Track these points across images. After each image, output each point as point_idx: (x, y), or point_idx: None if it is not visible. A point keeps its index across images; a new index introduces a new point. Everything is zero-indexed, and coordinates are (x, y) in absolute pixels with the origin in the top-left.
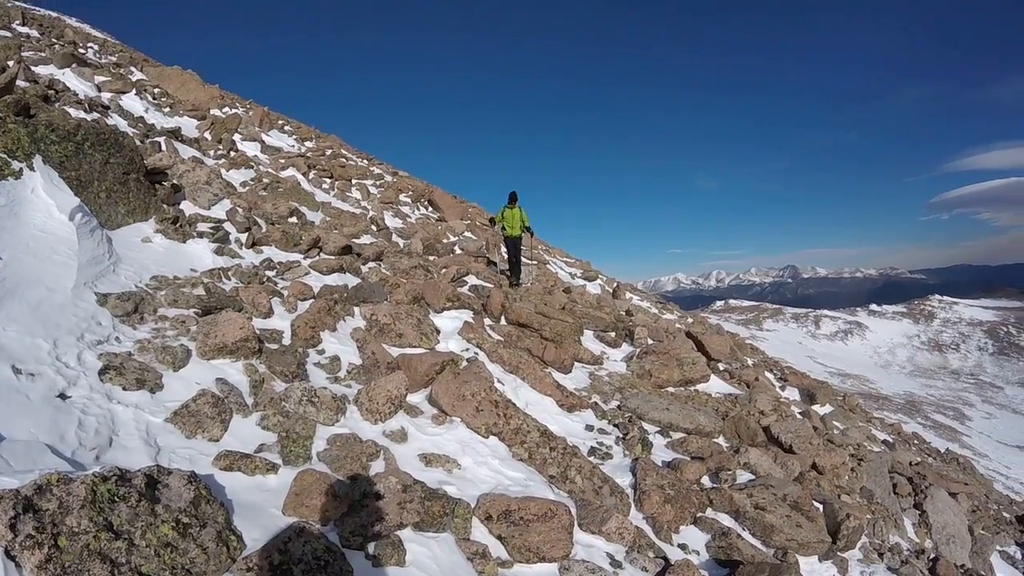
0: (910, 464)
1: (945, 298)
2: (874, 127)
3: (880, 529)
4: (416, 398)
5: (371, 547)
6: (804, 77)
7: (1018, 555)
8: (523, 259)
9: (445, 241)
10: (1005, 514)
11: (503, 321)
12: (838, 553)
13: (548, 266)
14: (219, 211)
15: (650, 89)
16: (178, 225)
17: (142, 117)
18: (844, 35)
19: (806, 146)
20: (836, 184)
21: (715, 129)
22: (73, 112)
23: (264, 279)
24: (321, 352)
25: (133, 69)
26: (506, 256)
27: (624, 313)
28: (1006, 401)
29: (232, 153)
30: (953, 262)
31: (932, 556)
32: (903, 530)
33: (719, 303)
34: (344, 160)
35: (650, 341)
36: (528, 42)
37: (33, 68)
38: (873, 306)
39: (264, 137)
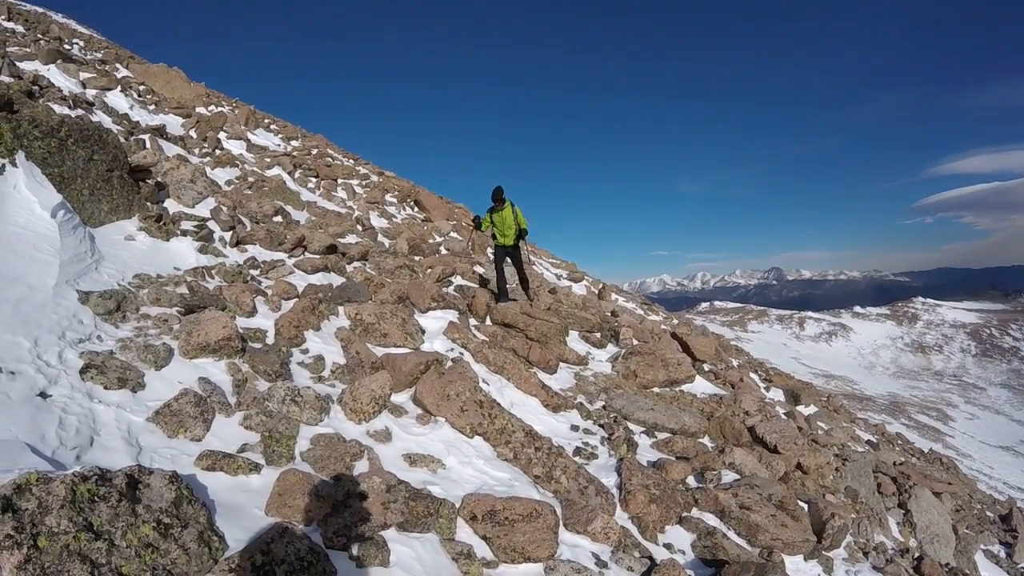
0: (894, 464)
1: (928, 300)
2: (857, 132)
3: (865, 528)
4: (400, 398)
5: (355, 548)
6: (786, 82)
7: (1002, 554)
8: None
9: (431, 241)
10: (989, 513)
11: (488, 321)
12: (823, 552)
13: (534, 267)
14: (203, 209)
15: (633, 94)
16: (162, 223)
17: (127, 114)
18: (826, 41)
19: (789, 150)
20: (820, 188)
21: (697, 134)
22: (57, 108)
23: (248, 278)
24: (305, 351)
25: (119, 66)
26: (496, 274)
27: (610, 314)
28: (989, 402)
29: (217, 151)
30: (936, 265)
31: (916, 555)
32: (888, 529)
33: (704, 305)
34: (330, 160)
35: (635, 342)
36: (513, 48)
37: (17, 64)
38: (857, 308)
39: (250, 136)
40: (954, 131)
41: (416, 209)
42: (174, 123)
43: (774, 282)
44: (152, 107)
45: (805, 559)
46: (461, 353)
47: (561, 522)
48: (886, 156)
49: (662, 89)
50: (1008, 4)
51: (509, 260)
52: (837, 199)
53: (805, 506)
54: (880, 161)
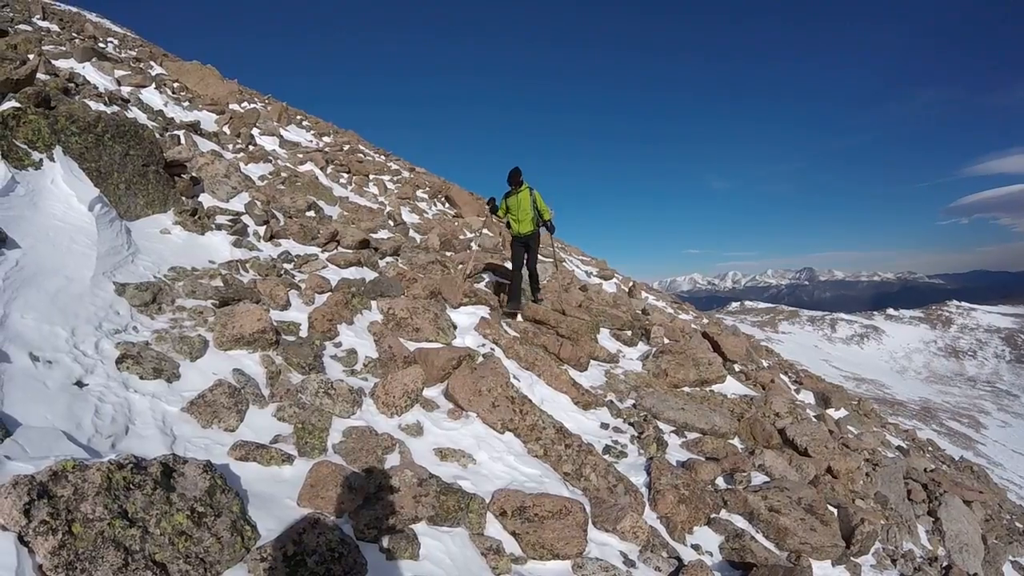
0: (925, 471)
1: (963, 304)
2: (891, 130)
3: (894, 535)
4: (432, 392)
5: (385, 540)
6: (817, 80)
7: None
8: (540, 259)
9: (462, 237)
10: (1018, 524)
11: (519, 318)
12: (851, 558)
13: (564, 264)
14: (237, 204)
15: (666, 90)
16: (196, 217)
17: (161, 111)
18: (858, 38)
19: (820, 149)
20: (852, 187)
21: (728, 131)
22: (93, 105)
23: (281, 272)
24: (338, 345)
25: (152, 64)
26: (513, 270)
27: (640, 312)
28: (1022, 410)
29: (250, 147)
30: (971, 267)
31: (945, 564)
32: (916, 537)
33: (735, 304)
34: (361, 156)
35: (666, 341)
36: (545, 43)
37: (53, 62)
38: (890, 310)
39: (282, 132)
40: (991, 129)
41: (447, 205)
42: (208, 119)
43: (806, 282)
44: (186, 104)
45: (833, 564)
46: (492, 349)
47: (590, 520)
48: (921, 155)
49: (694, 85)
50: None
51: (525, 252)
52: (870, 198)
53: (834, 511)
54: (915, 160)
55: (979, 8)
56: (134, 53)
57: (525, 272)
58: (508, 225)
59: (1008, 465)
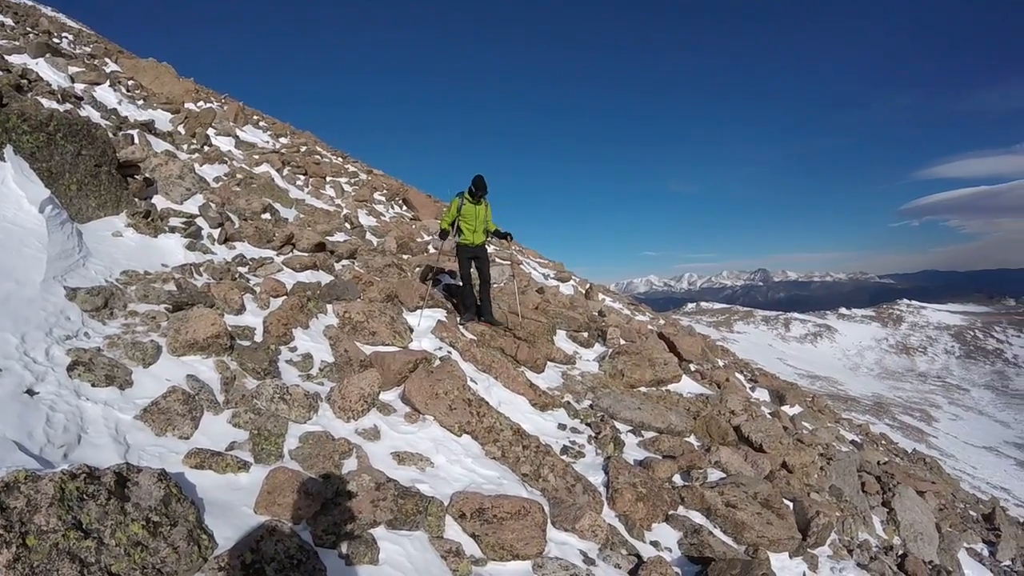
0: (878, 463)
1: (913, 302)
2: (848, 135)
3: (849, 526)
4: (389, 396)
5: (344, 545)
6: (779, 84)
7: (985, 552)
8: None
9: (419, 240)
10: (972, 512)
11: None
12: (808, 550)
13: (521, 266)
14: (192, 206)
15: (625, 93)
16: (150, 219)
17: (115, 109)
18: (819, 44)
19: (781, 152)
20: (809, 190)
21: (689, 134)
22: (46, 102)
23: (236, 275)
24: (293, 349)
25: (108, 60)
26: (463, 282)
27: (597, 314)
28: (972, 403)
29: (206, 148)
30: (922, 267)
31: (900, 553)
32: (872, 527)
33: (691, 305)
34: (319, 157)
35: (622, 341)
36: (501, 43)
37: (6, 57)
38: (842, 309)
39: (239, 132)
40: (944, 135)
41: (404, 207)
42: (163, 119)
43: (760, 283)
44: (141, 102)
45: (790, 556)
46: (449, 352)
47: (549, 520)
48: (875, 160)
49: (655, 87)
50: (1000, 12)
51: (475, 264)
52: (826, 201)
53: (790, 504)
54: (869, 164)
55: (935, 20)
56: (89, 49)
57: (476, 283)
58: (459, 233)
59: (960, 456)
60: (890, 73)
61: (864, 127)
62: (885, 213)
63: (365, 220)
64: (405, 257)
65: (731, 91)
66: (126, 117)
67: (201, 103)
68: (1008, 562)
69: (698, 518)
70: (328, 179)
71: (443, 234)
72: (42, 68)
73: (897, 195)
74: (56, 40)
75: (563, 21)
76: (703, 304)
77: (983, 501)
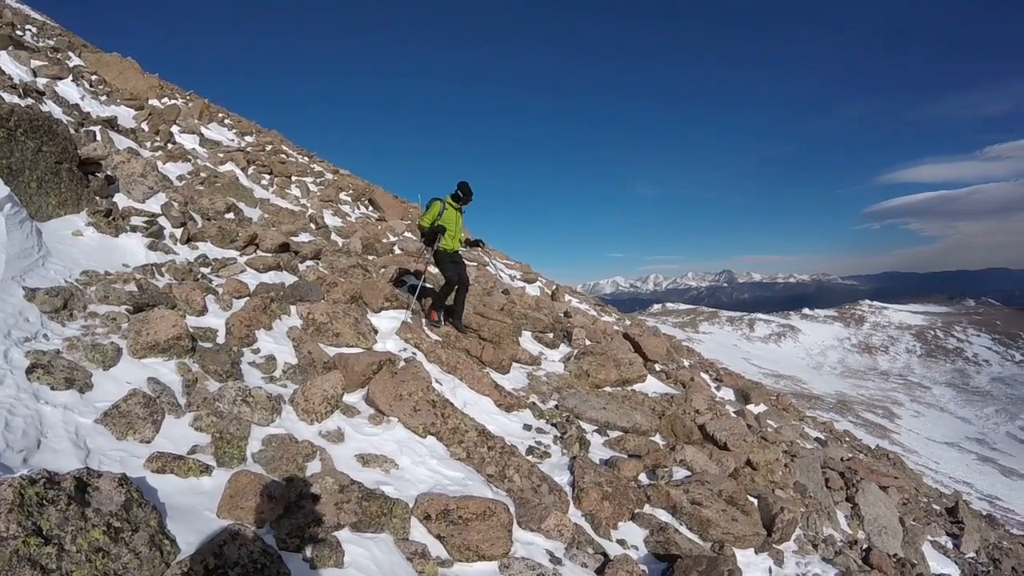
0: (842, 460)
1: (875, 303)
2: (812, 140)
3: (814, 522)
4: (353, 398)
5: (308, 549)
6: (745, 89)
7: (949, 544)
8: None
9: (385, 241)
10: (935, 506)
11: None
12: (773, 545)
13: (487, 268)
14: (154, 205)
15: (590, 95)
16: (111, 218)
17: (78, 105)
18: (784, 50)
19: (745, 156)
20: (773, 193)
21: (656, 137)
22: (7, 97)
23: (199, 276)
24: (256, 351)
25: (71, 54)
26: (447, 284)
27: (563, 315)
28: (933, 400)
29: (169, 145)
30: (883, 269)
31: (865, 547)
32: (836, 522)
33: (656, 306)
34: (284, 157)
35: (588, 342)
36: (467, 45)
37: None
38: (806, 310)
39: (203, 130)
40: (905, 141)
41: (370, 208)
42: (126, 115)
43: (725, 284)
44: (104, 98)
45: (756, 552)
46: (414, 353)
47: (515, 520)
48: (839, 164)
49: (619, 90)
50: (959, 24)
51: (454, 269)
52: (790, 205)
53: (755, 501)
54: (833, 168)
55: (898, 29)
56: (52, 43)
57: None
58: (439, 238)
59: (923, 452)
60: (853, 80)
61: (827, 132)
62: (848, 216)
63: (330, 220)
64: (371, 258)
65: (696, 95)
66: (88, 113)
67: (165, 99)
68: (972, 554)
69: (664, 516)
70: (294, 178)
71: (439, 230)
72: (3, 61)
73: (859, 199)
74: (19, 32)
75: (527, 23)
76: (669, 305)
77: (946, 495)
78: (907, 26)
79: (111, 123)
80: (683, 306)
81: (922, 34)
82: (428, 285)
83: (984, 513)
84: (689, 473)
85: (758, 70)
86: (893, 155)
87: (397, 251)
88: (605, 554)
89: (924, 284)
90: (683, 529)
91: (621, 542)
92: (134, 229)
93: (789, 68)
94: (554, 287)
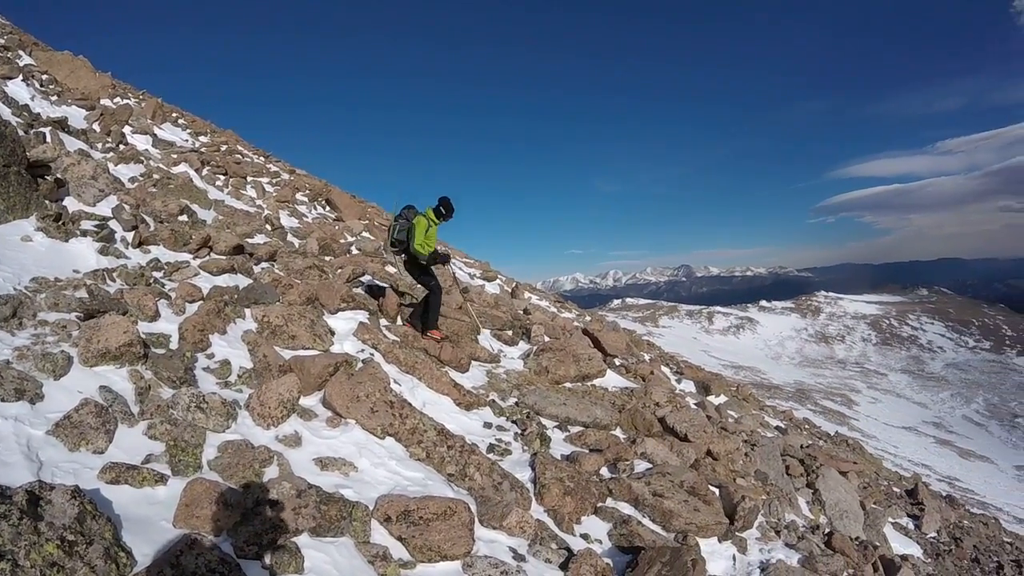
0: (801, 447)
1: (831, 294)
2: (767, 136)
3: (776, 509)
4: (310, 401)
5: (267, 556)
6: (701, 86)
7: (911, 526)
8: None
9: (342, 241)
10: (896, 489)
11: (399, 321)
12: (736, 533)
13: (447, 266)
14: (105, 208)
15: (548, 92)
16: (61, 223)
17: (27, 105)
18: (740, 47)
19: (702, 152)
20: (730, 188)
21: (614, 134)
22: None
23: (151, 280)
24: (210, 356)
25: (21, 53)
26: (435, 290)
27: (522, 312)
28: (890, 387)
29: (121, 146)
30: (838, 261)
31: (827, 531)
32: (798, 508)
33: (616, 301)
34: (240, 157)
35: (547, 338)
36: (426, 44)
37: None
38: (763, 302)
39: (156, 130)
40: (858, 137)
41: (328, 208)
42: (77, 116)
43: (684, 279)
44: (55, 98)
45: (719, 541)
46: (372, 354)
47: (476, 519)
48: (794, 159)
49: (577, 86)
50: (910, 23)
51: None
52: (747, 200)
53: (717, 491)
54: (789, 164)
55: (852, 26)
56: (2, 41)
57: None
58: (415, 248)
59: (881, 436)
60: (811, 76)
61: (783, 128)
62: (803, 210)
63: (287, 221)
64: (327, 259)
65: (655, 91)
66: (38, 114)
67: (118, 99)
68: (933, 534)
69: (627, 509)
70: (249, 179)
71: (444, 259)
72: None
73: (814, 193)
74: None
75: (485, 18)
76: (628, 300)
77: (906, 478)
78: (864, 23)
79: (62, 124)
80: (643, 301)
81: (878, 31)
82: (380, 284)
83: (944, 494)
84: (650, 465)
85: (717, 66)
86: (848, 150)
87: (355, 251)
88: (569, 549)
89: (878, 275)
90: (646, 521)
91: (585, 536)
92: (85, 233)
93: (748, 64)
94: (514, 285)
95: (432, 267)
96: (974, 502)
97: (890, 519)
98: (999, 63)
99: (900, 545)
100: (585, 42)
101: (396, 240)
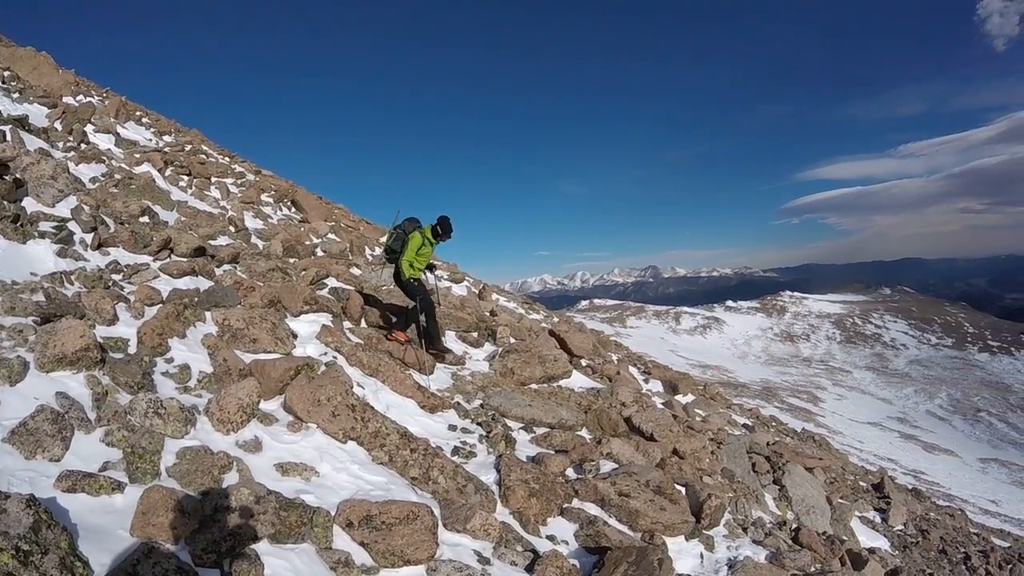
0: (767, 444)
1: (795, 294)
2: (732, 138)
3: (742, 506)
4: (270, 405)
5: (226, 563)
6: (667, 88)
7: (877, 519)
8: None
9: (307, 243)
10: (862, 483)
11: (363, 324)
12: (703, 531)
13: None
14: (64, 209)
15: (511, 93)
16: (18, 224)
17: None
18: (708, 47)
19: (668, 154)
20: (696, 189)
21: (579, 136)
22: None
23: (109, 283)
24: (170, 360)
25: None
26: (429, 305)
27: (488, 313)
28: (855, 383)
29: (83, 145)
30: (802, 261)
31: (794, 526)
32: (764, 505)
33: (584, 302)
34: (204, 157)
35: (512, 340)
36: (392, 43)
37: None
38: (729, 302)
39: (119, 129)
40: (822, 140)
41: (293, 209)
42: (38, 114)
43: (651, 280)
44: (16, 95)
45: (686, 539)
46: (335, 357)
47: (440, 522)
48: (759, 161)
49: (541, 87)
50: (874, 29)
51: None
52: (712, 201)
53: (683, 489)
54: (753, 166)
55: (816, 30)
56: None
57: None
58: (411, 266)
59: (847, 432)
60: (772, 80)
61: (748, 131)
62: (767, 212)
63: (251, 223)
64: (292, 261)
65: (621, 91)
66: None
67: (81, 97)
68: (900, 527)
69: (593, 509)
70: (214, 180)
71: (419, 292)
72: None
73: (779, 195)
74: None
75: (444, 18)
76: (596, 301)
77: (872, 472)
78: (829, 27)
79: (22, 122)
80: (610, 302)
81: (843, 36)
82: (344, 287)
83: (910, 487)
84: (616, 465)
85: (683, 68)
86: (812, 153)
87: (320, 253)
88: (535, 551)
89: (842, 275)
90: (612, 521)
91: (551, 538)
92: (42, 235)
93: (713, 66)
94: (481, 286)
95: (423, 289)
96: (940, 494)
97: (857, 513)
98: (962, 67)
99: (867, 538)
100: (548, 42)
101: (389, 248)
